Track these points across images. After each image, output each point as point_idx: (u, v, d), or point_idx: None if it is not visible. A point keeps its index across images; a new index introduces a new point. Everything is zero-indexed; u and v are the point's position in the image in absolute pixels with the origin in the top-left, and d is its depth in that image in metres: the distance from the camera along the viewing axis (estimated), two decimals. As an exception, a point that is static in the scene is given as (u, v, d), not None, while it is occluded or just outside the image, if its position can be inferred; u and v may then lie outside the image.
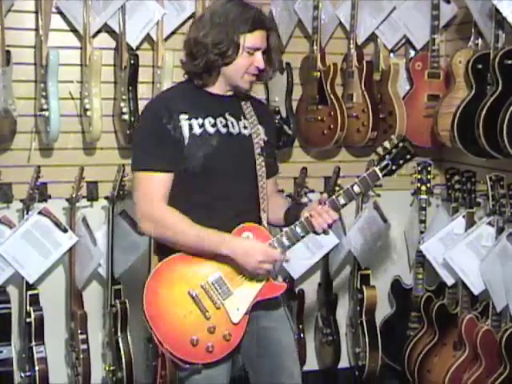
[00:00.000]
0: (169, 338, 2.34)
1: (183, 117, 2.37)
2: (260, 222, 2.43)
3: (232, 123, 2.44)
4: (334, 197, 2.40)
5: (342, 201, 2.38)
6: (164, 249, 2.42)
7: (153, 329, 2.33)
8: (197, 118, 2.38)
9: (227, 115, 2.44)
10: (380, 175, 2.40)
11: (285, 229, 2.41)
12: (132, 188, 2.43)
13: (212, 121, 2.40)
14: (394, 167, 2.40)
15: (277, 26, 2.51)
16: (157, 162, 2.34)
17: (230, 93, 2.47)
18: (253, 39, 2.34)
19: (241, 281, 2.37)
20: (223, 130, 2.41)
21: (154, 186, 2.35)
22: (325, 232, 2.40)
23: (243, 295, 2.36)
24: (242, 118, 2.47)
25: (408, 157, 2.41)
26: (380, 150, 2.42)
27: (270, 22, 2.44)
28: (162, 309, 2.34)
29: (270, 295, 2.42)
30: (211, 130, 2.39)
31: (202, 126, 2.38)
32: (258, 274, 2.35)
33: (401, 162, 2.40)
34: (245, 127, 2.46)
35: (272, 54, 2.42)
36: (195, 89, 2.45)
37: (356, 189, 2.38)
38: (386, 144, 2.41)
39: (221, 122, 2.41)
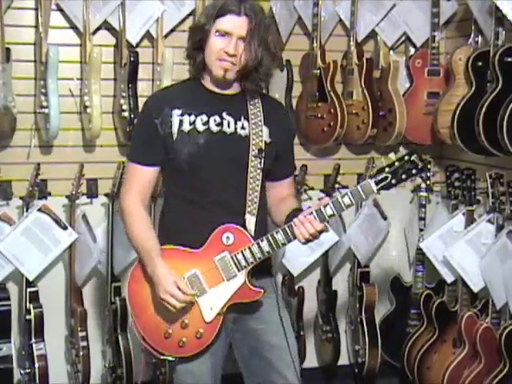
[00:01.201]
0: (146, 327, 2.44)
1: (176, 112, 2.39)
2: (244, 225, 2.39)
3: (228, 122, 2.41)
4: (321, 206, 2.29)
5: (329, 211, 2.28)
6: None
7: (133, 317, 2.44)
8: (189, 115, 2.39)
9: (224, 114, 2.42)
10: (374, 189, 2.25)
11: (267, 234, 2.36)
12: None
13: (205, 119, 2.40)
14: (393, 181, 2.25)
15: (266, 16, 2.42)
16: (141, 156, 2.44)
17: (233, 91, 2.45)
18: (223, 23, 2.32)
19: (217, 280, 2.36)
20: (215, 129, 2.40)
21: (136, 177, 2.45)
22: (307, 241, 2.31)
23: (218, 295, 2.36)
24: (243, 118, 2.44)
25: (414, 171, 2.24)
26: (382, 160, 2.27)
27: (252, 9, 2.34)
28: (142, 298, 2.43)
29: (245, 299, 2.38)
30: (201, 127, 2.39)
31: (192, 123, 2.38)
32: (168, 302, 2.34)
33: (403, 176, 2.25)
34: (243, 127, 2.43)
35: (250, 41, 2.32)
36: (197, 86, 2.45)
37: (346, 200, 2.26)
38: (391, 155, 2.27)
39: (214, 121, 2.40)
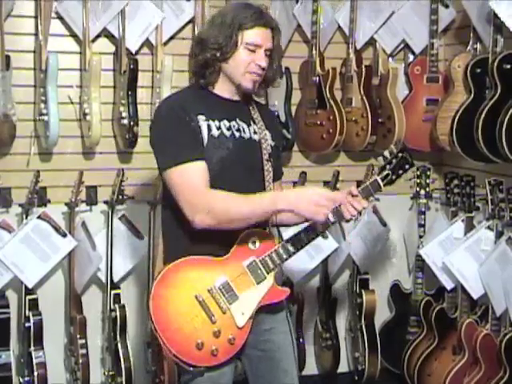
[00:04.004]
0: (175, 341, 2.32)
1: (201, 117, 2.36)
2: (268, 228, 2.46)
3: (243, 128, 2.43)
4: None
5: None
6: (171, 255, 2.40)
7: (158, 332, 2.31)
8: (214, 120, 2.38)
9: (238, 120, 2.44)
10: (382, 184, 2.40)
11: (291, 235, 2.40)
12: (171, 189, 2.33)
13: (227, 124, 2.40)
14: (393, 177, 2.41)
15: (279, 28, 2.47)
16: (190, 152, 2.30)
17: (237, 97, 2.46)
18: (252, 35, 2.34)
19: (247, 285, 2.37)
20: (237, 134, 2.41)
21: (195, 175, 2.29)
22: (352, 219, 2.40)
23: (248, 299, 2.37)
24: (252, 123, 2.47)
25: (406, 167, 2.43)
26: (381, 159, 2.45)
27: (274, 21, 2.41)
28: (168, 312, 2.33)
29: (273, 300, 2.43)
30: (227, 132, 2.39)
31: (219, 128, 2.37)
32: (319, 218, 2.27)
33: (400, 172, 2.42)
34: (255, 132, 2.46)
35: (275, 53, 2.41)
36: (206, 93, 2.44)
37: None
38: (386, 154, 2.43)
39: (234, 126, 2.41)
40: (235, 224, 2.31)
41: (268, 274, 2.38)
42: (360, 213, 2.40)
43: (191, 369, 2.34)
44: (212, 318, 2.33)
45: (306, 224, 2.40)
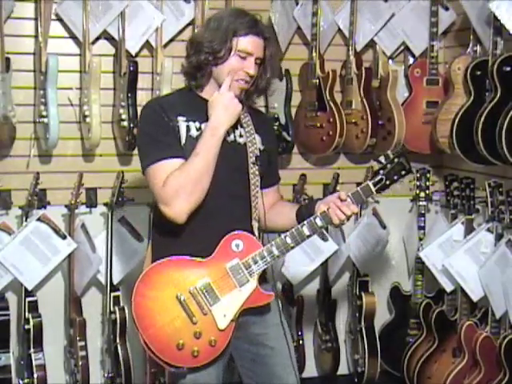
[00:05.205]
0: (156, 340, 2.35)
1: (181, 118, 2.39)
2: (252, 231, 2.45)
3: (228, 131, 2.42)
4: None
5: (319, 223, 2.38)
6: (157, 255, 2.43)
7: (140, 330, 2.35)
8: (194, 122, 2.41)
9: None
10: (373, 190, 2.40)
11: (275, 238, 2.40)
12: (150, 188, 2.37)
13: None
14: (387, 182, 2.40)
15: (276, 36, 2.49)
16: (165, 150, 2.34)
17: None
18: (245, 43, 2.37)
19: (229, 288, 2.36)
20: None
21: (168, 171, 2.31)
22: (341, 224, 2.41)
23: (231, 302, 2.36)
24: (239, 126, 2.48)
25: (403, 172, 2.42)
26: (376, 163, 2.44)
27: (268, 31, 2.45)
28: (150, 311, 2.35)
29: (257, 303, 2.41)
30: None
31: (199, 129, 2.40)
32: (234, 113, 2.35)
33: (395, 177, 2.41)
34: (240, 136, 2.48)
35: (267, 64, 2.43)
36: (193, 95, 2.48)
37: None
38: (382, 158, 2.42)
39: None
40: (202, 185, 2.30)
41: (251, 276, 2.37)
42: (348, 218, 2.39)
43: (172, 369, 2.37)
44: (193, 319, 2.34)
45: (317, 214, 2.38)
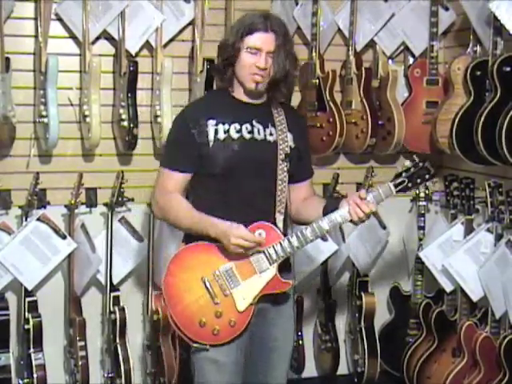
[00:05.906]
0: (182, 317, 2.55)
1: (211, 122, 2.57)
2: (275, 223, 2.58)
3: (258, 130, 2.60)
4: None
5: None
6: (188, 236, 2.62)
7: (168, 307, 2.56)
8: (223, 124, 2.58)
9: (254, 122, 2.61)
10: (394, 190, 2.51)
11: (297, 231, 2.53)
12: (155, 179, 2.68)
13: (238, 127, 2.58)
14: (409, 184, 2.52)
15: (286, 29, 2.58)
16: (176, 162, 2.60)
17: (260, 100, 2.64)
18: (253, 39, 2.53)
19: (249, 273, 2.51)
20: (247, 136, 2.59)
21: (171, 181, 2.61)
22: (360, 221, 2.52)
23: (250, 286, 2.52)
24: (270, 125, 2.64)
25: (427, 177, 2.54)
26: (400, 167, 2.55)
27: (276, 24, 2.57)
28: (178, 290, 2.56)
29: (275, 290, 2.55)
30: (235, 135, 2.57)
31: (227, 131, 2.57)
32: (234, 250, 2.47)
33: (418, 180, 2.53)
34: (271, 134, 2.63)
35: (276, 54, 2.54)
36: (225, 95, 2.65)
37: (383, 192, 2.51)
38: (407, 163, 2.53)
39: (246, 129, 2.59)
40: (177, 227, 2.65)
41: (271, 264, 2.51)
42: (368, 216, 2.51)
43: (195, 344, 2.54)
44: (215, 300, 2.51)
45: (314, 222, 2.52)
